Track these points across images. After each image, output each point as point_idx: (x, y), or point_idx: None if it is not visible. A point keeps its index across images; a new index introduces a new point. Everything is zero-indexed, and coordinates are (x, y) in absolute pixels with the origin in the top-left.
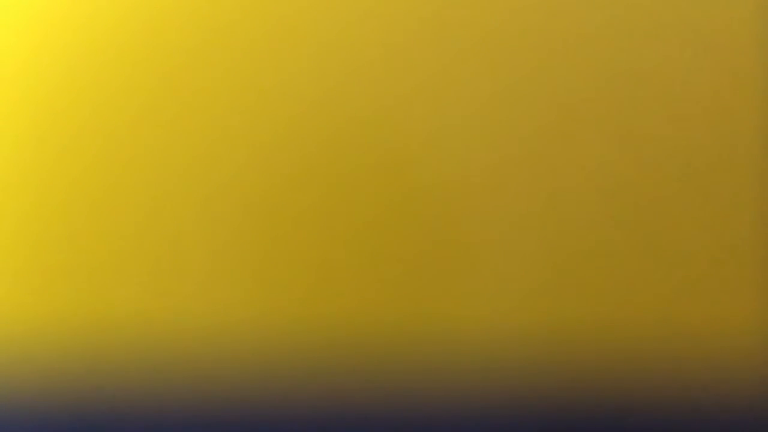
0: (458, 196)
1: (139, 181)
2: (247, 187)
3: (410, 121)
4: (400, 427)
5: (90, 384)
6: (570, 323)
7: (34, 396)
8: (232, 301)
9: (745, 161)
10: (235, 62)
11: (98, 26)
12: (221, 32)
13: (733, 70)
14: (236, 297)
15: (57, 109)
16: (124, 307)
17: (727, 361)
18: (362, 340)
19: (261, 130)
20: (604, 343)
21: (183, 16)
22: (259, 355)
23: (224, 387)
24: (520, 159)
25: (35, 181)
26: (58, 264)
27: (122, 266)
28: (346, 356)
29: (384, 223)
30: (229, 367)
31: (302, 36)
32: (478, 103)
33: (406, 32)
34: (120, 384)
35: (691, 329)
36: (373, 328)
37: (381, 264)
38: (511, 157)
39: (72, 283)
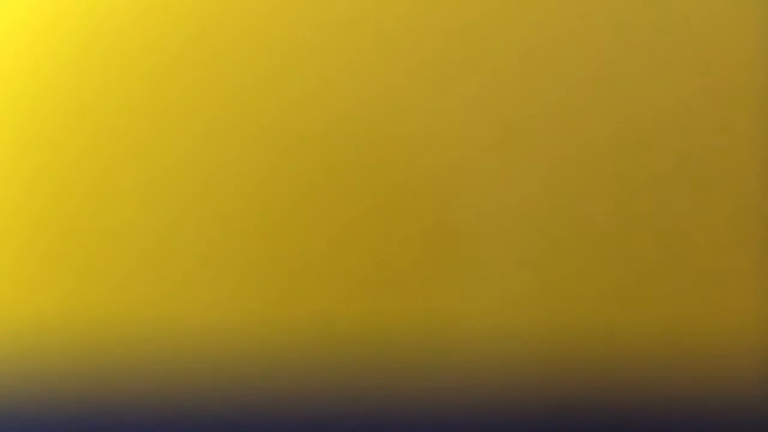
0: (456, 194)
1: (137, 180)
2: (246, 185)
3: (408, 119)
4: (399, 425)
5: (90, 384)
6: (569, 322)
7: (34, 396)
8: (231, 300)
9: (746, 161)
10: (227, 61)
11: (95, 23)
12: (215, 30)
13: (733, 70)
14: (235, 296)
15: (57, 109)
16: (122, 306)
17: (727, 361)
18: (359, 338)
19: (257, 129)
20: (603, 343)
21: (178, 13)
22: (257, 353)
23: (224, 387)
24: (519, 157)
25: (35, 181)
26: (57, 264)
27: (120, 266)
28: (344, 354)
29: (382, 222)
30: (229, 366)
31: (293, 33)
32: (476, 101)
33: (398, 28)
34: (119, 384)
35: (691, 329)
36: (371, 326)
37: (379, 262)
38: (509, 155)
39: (71, 283)
